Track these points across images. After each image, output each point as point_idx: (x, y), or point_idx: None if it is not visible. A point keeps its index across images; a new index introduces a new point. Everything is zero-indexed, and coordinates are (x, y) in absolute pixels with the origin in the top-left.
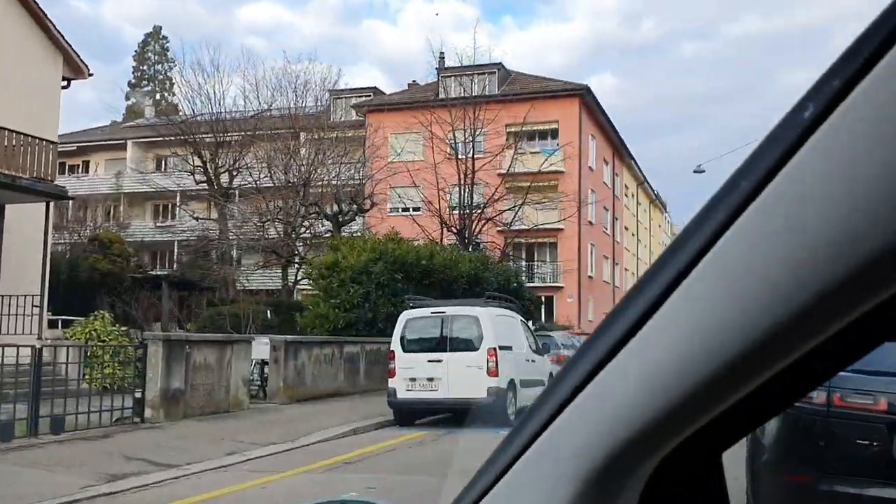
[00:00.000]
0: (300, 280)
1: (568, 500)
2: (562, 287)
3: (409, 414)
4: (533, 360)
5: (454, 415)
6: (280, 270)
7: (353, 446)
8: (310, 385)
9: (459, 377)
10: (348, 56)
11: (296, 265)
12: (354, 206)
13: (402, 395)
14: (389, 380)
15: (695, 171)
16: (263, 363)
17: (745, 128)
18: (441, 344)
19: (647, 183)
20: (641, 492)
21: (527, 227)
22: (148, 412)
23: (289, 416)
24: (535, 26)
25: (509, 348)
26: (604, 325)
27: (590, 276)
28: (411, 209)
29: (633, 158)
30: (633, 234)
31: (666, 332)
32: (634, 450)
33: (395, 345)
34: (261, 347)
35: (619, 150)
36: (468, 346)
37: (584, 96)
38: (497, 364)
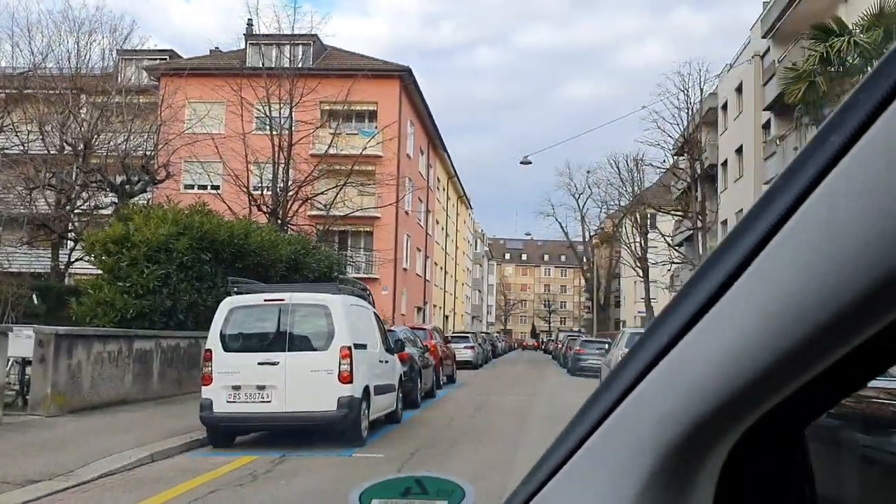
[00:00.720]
0: (75, 261)
1: (646, 473)
2: (377, 278)
3: (228, 433)
4: (386, 361)
5: (276, 432)
6: (50, 249)
7: (156, 483)
8: (88, 391)
9: (302, 384)
10: (134, 30)
11: (70, 243)
12: (147, 177)
13: (221, 407)
14: (204, 388)
15: (521, 163)
16: (25, 362)
17: (527, 133)
18: (277, 341)
19: (457, 177)
20: (722, 465)
21: (344, 214)
22: None
23: (60, 434)
24: (337, 17)
25: (364, 347)
26: (681, 294)
27: (404, 269)
28: (209, 186)
29: (446, 151)
30: (442, 228)
31: (749, 299)
32: (717, 421)
33: (214, 342)
34: (22, 341)
35: (433, 140)
36: (314, 344)
37: (404, 79)
38: (351, 367)
